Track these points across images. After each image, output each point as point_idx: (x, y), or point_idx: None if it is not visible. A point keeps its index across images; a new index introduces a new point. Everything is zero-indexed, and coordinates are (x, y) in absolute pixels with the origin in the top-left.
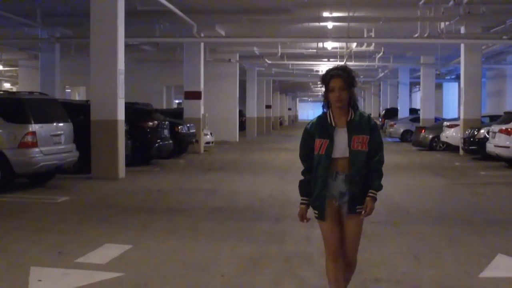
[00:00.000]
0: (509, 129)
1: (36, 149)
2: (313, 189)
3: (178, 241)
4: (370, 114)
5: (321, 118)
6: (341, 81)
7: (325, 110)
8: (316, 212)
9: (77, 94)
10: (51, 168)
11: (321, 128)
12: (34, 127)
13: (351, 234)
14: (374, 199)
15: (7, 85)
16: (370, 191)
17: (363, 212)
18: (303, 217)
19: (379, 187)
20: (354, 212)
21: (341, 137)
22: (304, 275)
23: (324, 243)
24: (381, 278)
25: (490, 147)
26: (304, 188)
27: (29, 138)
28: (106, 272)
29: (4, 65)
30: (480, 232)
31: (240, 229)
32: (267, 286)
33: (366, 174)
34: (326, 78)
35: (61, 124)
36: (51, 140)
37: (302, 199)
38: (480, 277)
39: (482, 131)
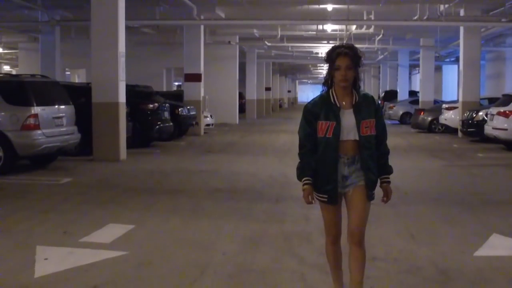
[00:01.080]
0: (507, 112)
1: (39, 131)
2: (320, 173)
3: (180, 221)
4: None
5: (324, 98)
6: (348, 59)
7: (325, 89)
8: (326, 196)
9: (76, 77)
10: (53, 150)
11: (325, 108)
12: (36, 109)
13: (360, 215)
14: (389, 183)
15: (6, 68)
16: (385, 176)
17: (385, 199)
18: (310, 198)
19: (391, 171)
20: (372, 198)
21: (347, 120)
22: (303, 254)
23: (326, 227)
24: (378, 257)
25: (488, 129)
26: (307, 169)
27: (31, 121)
28: (110, 251)
29: (4, 48)
30: (476, 212)
31: (241, 209)
32: (267, 264)
33: (377, 158)
34: (332, 56)
35: (63, 107)
36: (53, 123)
37: (306, 179)
38: (475, 256)
39: (480, 113)
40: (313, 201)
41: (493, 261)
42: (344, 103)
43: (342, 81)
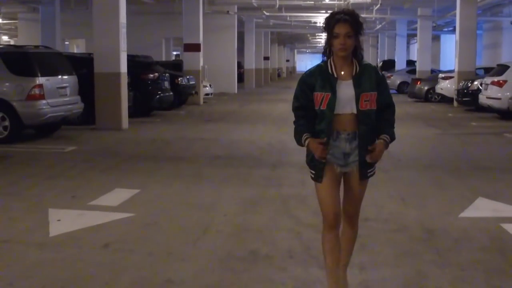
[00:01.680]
0: (500, 81)
1: (44, 101)
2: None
3: (183, 185)
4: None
5: (321, 68)
6: (348, 26)
7: (325, 58)
8: (313, 172)
9: (75, 47)
10: (58, 119)
11: (322, 79)
12: (41, 80)
13: (356, 195)
14: (386, 144)
15: (5, 38)
16: (384, 135)
17: (369, 155)
18: (321, 150)
19: (393, 135)
20: (365, 177)
21: (345, 92)
22: (299, 214)
23: (322, 209)
24: (369, 218)
25: (482, 98)
26: (302, 129)
27: (36, 91)
28: (118, 213)
29: (3, 18)
30: (465, 178)
31: (240, 174)
32: (265, 224)
33: (378, 126)
34: (331, 23)
35: (66, 77)
36: (57, 93)
37: (305, 135)
38: (460, 217)
39: (475, 83)
40: (327, 149)
41: (476, 221)
42: (343, 73)
43: (341, 50)
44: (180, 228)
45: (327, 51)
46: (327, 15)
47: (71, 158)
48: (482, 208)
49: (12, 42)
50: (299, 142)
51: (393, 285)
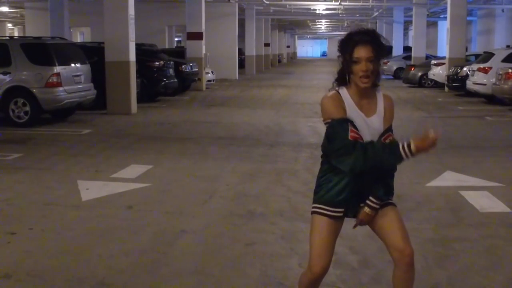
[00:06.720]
0: (486, 68)
1: (61, 88)
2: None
3: (190, 162)
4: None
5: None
6: (370, 49)
7: (337, 88)
8: (339, 209)
9: (78, 34)
10: (74, 104)
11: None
12: (58, 68)
13: (394, 221)
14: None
15: (9, 26)
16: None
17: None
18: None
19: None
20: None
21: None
22: (290, 184)
23: (313, 251)
24: None
25: (469, 84)
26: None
27: (54, 79)
28: (137, 183)
29: (10, 7)
30: (439, 154)
31: (240, 152)
32: (262, 191)
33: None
34: (349, 45)
35: (80, 66)
36: (72, 80)
37: (400, 143)
38: (426, 186)
39: (464, 69)
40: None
41: (440, 189)
42: (365, 107)
43: (363, 79)
44: (190, 194)
45: (346, 79)
46: (325, 3)
47: (89, 139)
48: (448, 179)
49: (16, 30)
50: (393, 154)
51: (361, 234)
